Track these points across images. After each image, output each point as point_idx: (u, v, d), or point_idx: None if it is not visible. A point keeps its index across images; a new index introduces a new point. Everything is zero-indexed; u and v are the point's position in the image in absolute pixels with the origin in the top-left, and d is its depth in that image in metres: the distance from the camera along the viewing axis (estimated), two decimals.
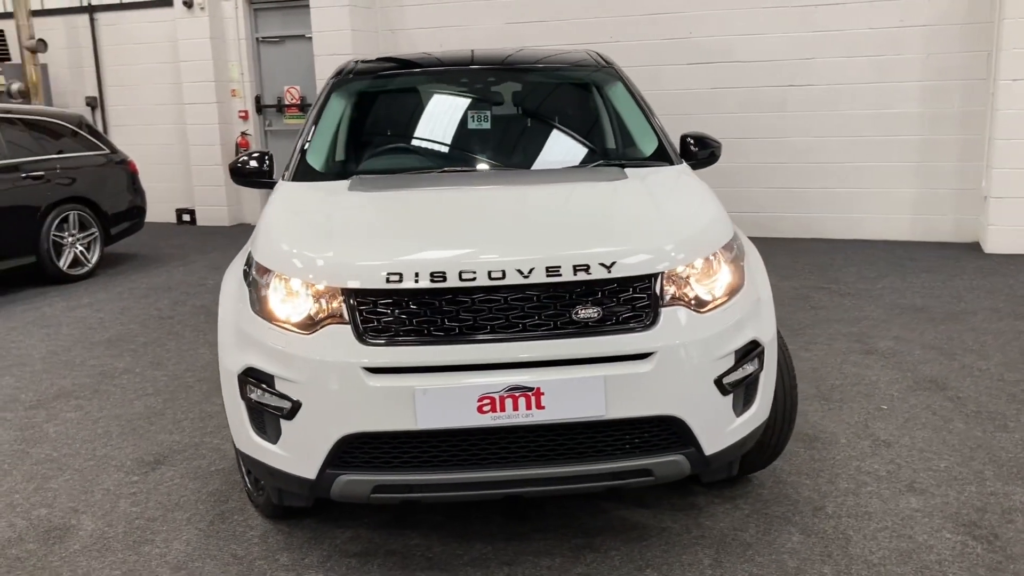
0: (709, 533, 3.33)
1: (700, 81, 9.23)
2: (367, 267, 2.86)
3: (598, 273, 2.84)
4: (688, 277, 2.97)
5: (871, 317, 6.12)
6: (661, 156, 4.06)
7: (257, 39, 11.08)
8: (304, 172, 3.94)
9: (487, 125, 4.15)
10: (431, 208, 3.39)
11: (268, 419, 2.94)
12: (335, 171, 4.01)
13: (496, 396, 2.72)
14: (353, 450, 2.81)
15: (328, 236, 3.10)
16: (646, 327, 2.84)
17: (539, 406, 2.75)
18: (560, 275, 2.82)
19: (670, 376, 2.83)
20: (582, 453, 2.84)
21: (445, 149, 4.16)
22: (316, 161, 4.03)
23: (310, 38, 10.28)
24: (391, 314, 2.81)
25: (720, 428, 2.97)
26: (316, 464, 2.83)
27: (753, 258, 3.39)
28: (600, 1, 9.41)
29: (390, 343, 2.78)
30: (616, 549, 3.23)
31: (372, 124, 4.43)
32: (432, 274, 2.80)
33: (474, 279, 2.80)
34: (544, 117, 4.41)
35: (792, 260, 8.07)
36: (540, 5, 9.63)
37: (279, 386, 2.88)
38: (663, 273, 2.91)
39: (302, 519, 3.50)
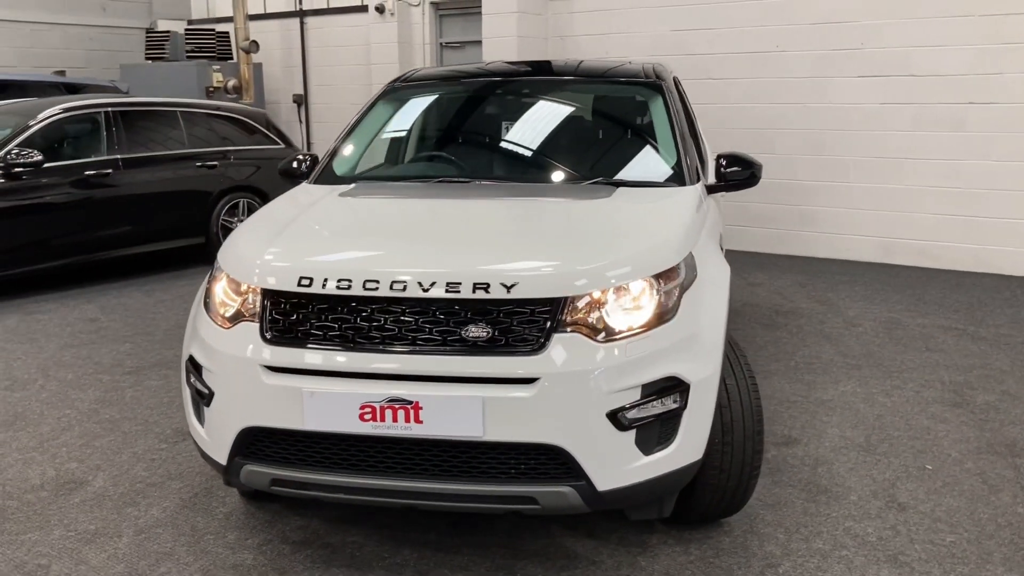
0: (640, 574, 3.18)
1: (870, 95, 8.59)
2: (284, 270, 2.99)
3: (497, 293, 2.81)
4: (597, 304, 2.85)
5: (991, 367, 5.47)
6: (675, 177, 3.89)
7: (441, 44, 11.58)
8: (326, 175, 4.15)
9: (505, 138, 4.16)
10: (387, 218, 3.48)
11: (199, 405, 3.16)
12: (352, 176, 4.18)
13: (377, 406, 2.77)
14: (256, 442, 2.96)
15: (274, 239, 3.26)
16: (533, 352, 2.77)
17: (417, 420, 2.76)
18: (459, 292, 2.82)
19: (554, 404, 2.74)
20: (466, 472, 2.83)
21: (452, 160, 4.22)
22: (341, 165, 4.22)
23: None
24: (296, 317, 2.93)
25: (617, 464, 2.83)
26: (226, 451, 3.01)
27: (710, 293, 3.17)
28: (765, 9, 8.99)
29: (289, 344, 2.90)
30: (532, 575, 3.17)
31: (397, 133, 4.56)
32: (339, 281, 2.89)
33: (376, 289, 2.86)
34: (564, 133, 4.34)
35: (942, 295, 7.34)
36: (705, 13, 9.35)
37: (204, 375, 3.09)
38: (568, 298, 2.82)
39: (272, 503, 3.71)
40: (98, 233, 7.83)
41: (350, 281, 2.88)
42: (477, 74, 4.64)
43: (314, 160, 4.43)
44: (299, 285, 2.93)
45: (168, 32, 12.73)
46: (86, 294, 7.59)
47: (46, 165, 7.42)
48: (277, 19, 12.96)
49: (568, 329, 2.80)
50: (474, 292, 2.81)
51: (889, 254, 8.70)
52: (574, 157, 4.15)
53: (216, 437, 3.05)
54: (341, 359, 2.83)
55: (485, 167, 4.13)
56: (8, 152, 7.25)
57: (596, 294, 2.86)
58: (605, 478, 2.82)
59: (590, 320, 2.84)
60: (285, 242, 3.21)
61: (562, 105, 4.45)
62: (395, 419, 2.77)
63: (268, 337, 2.93)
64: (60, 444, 4.38)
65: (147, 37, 12.66)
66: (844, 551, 3.32)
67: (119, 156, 8.02)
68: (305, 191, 3.94)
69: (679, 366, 2.91)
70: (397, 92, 4.59)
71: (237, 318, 3.03)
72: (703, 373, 2.98)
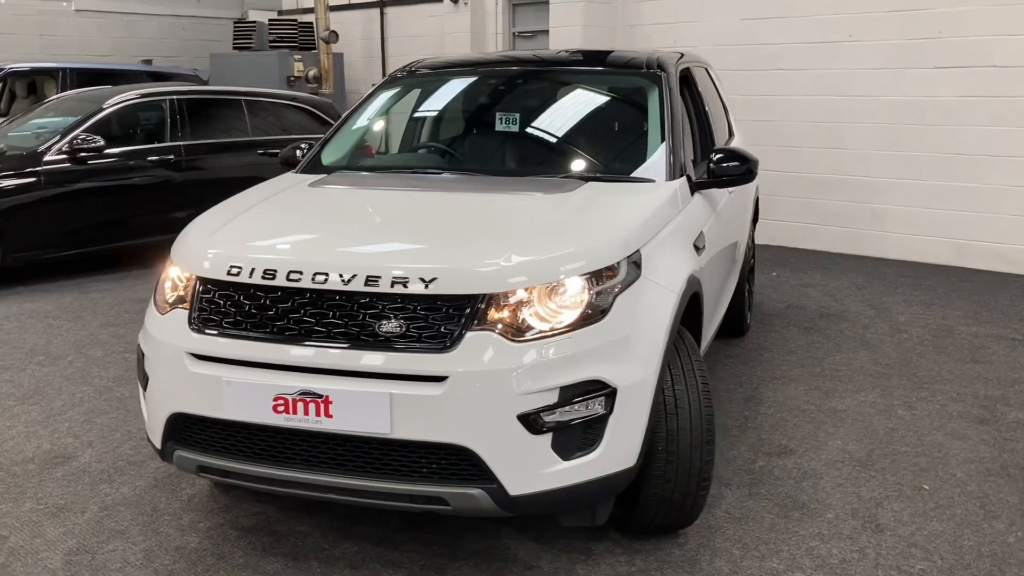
0: None
1: (947, 88, 8.08)
2: (216, 258, 3.01)
3: (415, 288, 2.75)
4: (517, 302, 2.76)
5: None
6: (654, 172, 3.73)
7: (514, 33, 11.52)
8: (313, 164, 4.16)
9: (488, 131, 4.08)
10: (337, 210, 3.46)
11: (143, 389, 3.22)
12: (336, 165, 4.18)
13: (289, 398, 2.76)
14: (186, 428, 3.00)
15: (220, 228, 3.28)
16: (444, 349, 2.70)
17: (327, 414, 2.73)
18: (378, 285, 2.77)
19: (463, 404, 2.67)
20: (377, 469, 2.78)
21: (432, 152, 4.17)
22: (329, 155, 4.23)
23: None
24: (223, 305, 2.94)
25: (530, 468, 2.74)
26: (159, 436, 3.06)
27: (655, 295, 3.02)
28: None
29: (213, 332, 2.92)
30: None
31: (385, 124, 4.52)
32: (265, 271, 2.89)
33: (299, 281, 2.84)
34: (549, 125, 4.22)
35: (1010, 303, 6.85)
36: (777, 1, 8.98)
37: (144, 360, 3.14)
38: (486, 295, 2.74)
39: (237, 488, 3.75)
40: (159, 217, 8.11)
41: (275, 272, 2.88)
42: (474, 65, 4.57)
43: (306, 148, 4.44)
44: (228, 274, 2.94)
45: (254, 22, 13.09)
46: (145, 276, 7.88)
47: (109, 150, 7.73)
48: (359, 9, 13.16)
49: (484, 327, 2.72)
50: (392, 286, 2.77)
51: (963, 257, 8.18)
52: (553, 150, 4.05)
53: (152, 421, 3.10)
54: (258, 350, 2.83)
55: (461, 159, 4.07)
56: (74, 137, 7.58)
57: (518, 292, 2.77)
58: (517, 482, 2.73)
59: (508, 319, 2.75)
60: (228, 231, 3.23)
61: (551, 97, 4.34)
62: (306, 412, 2.75)
63: (195, 325, 2.95)
64: (65, 419, 4.55)
65: (235, 27, 13.05)
66: (798, 573, 3.12)
67: (182, 143, 8.29)
68: (279, 180, 3.96)
69: (605, 369, 2.79)
70: (395, 83, 4.57)
71: (174, 305, 3.07)
72: (634, 378, 2.85)
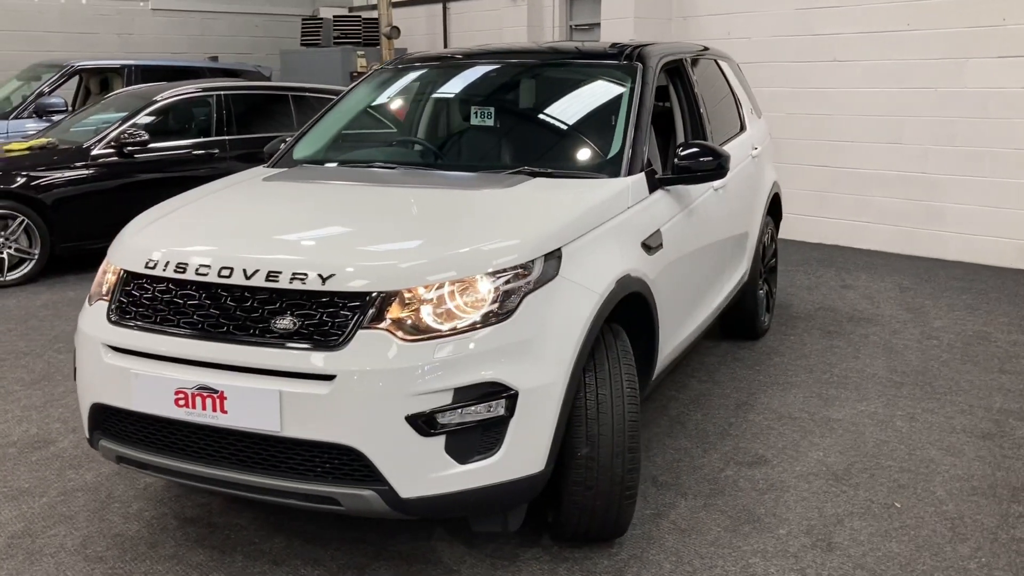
0: None
1: (1011, 79, 7.58)
2: (137, 251, 3.04)
3: (313, 284, 2.72)
4: (414, 301, 2.69)
5: None
6: (608, 168, 3.59)
7: (571, 26, 11.38)
8: (285, 159, 4.18)
9: (447, 125, 4.02)
10: (272, 204, 3.46)
11: (75, 379, 3.28)
12: (304, 159, 4.16)
13: (189, 392, 2.76)
14: (106, 418, 3.04)
15: (153, 221, 3.31)
16: (334, 347, 2.65)
17: (223, 410, 2.73)
18: (278, 281, 2.75)
19: (351, 404, 2.63)
20: (275, 466, 2.76)
21: (390, 147, 4.12)
22: (301, 149, 4.23)
23: None
24: (139, 297, 2.97)
25: (423, 471, 2.67)
26: (86, 424, 3.12)
27: (571, 296, 2.89)
28: None
29: (126, 325, 2.95)
30: None
31: (362, 118, 4.48)
32: (177, 265, 2.91)
33: (207, 275, 2.85)
34: (509, 120, 4.11)
35: None
36: None
37: (75, 351, 3.20)
38: (381, 293, 2.69)
39: None
40: None
41: (186, 265, 2.89)
42: (453, 58, 4.49)
43: (280, 143, 4.46)
44: (145, 267, 2.97)
45: (321, 19, 13.32)
46: None
47: (155, 144, 7.98)
48: (423, 5, 13.23)
49: (378, 326, 2.67)
50: (291, 282, 2.74)
51: None
52: (512, 144, 3.95)
53: (81, 411, 3.16)
54: (164, 343, 2.85)
55: (416, 154, 4.02)
56: (121, 132, 7.85)
57: (417, 290, 2.71)
58: (409, 485, 2.67)
59: (404, 318, 2.69)
60: (158, 226, 3.27)
61: (522, 91, 4.23)
62: (204, 407, 2.75)
63: (112, 317, 2.99)
64: (61, 405, 4.70)
65: (303, 24, 13.31)
66: None
67: (226, 137, 8.48)
68: (240, 175, 3.98)
69: (505, 371, 2.70)
70: (374, 77, 4.55)
71: (100, 297, 3.11)
72: (538, 381, 2.75)
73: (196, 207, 3.47)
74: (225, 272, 2.82)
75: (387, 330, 2.66)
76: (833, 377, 5.01)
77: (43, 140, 8.00)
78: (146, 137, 7.87)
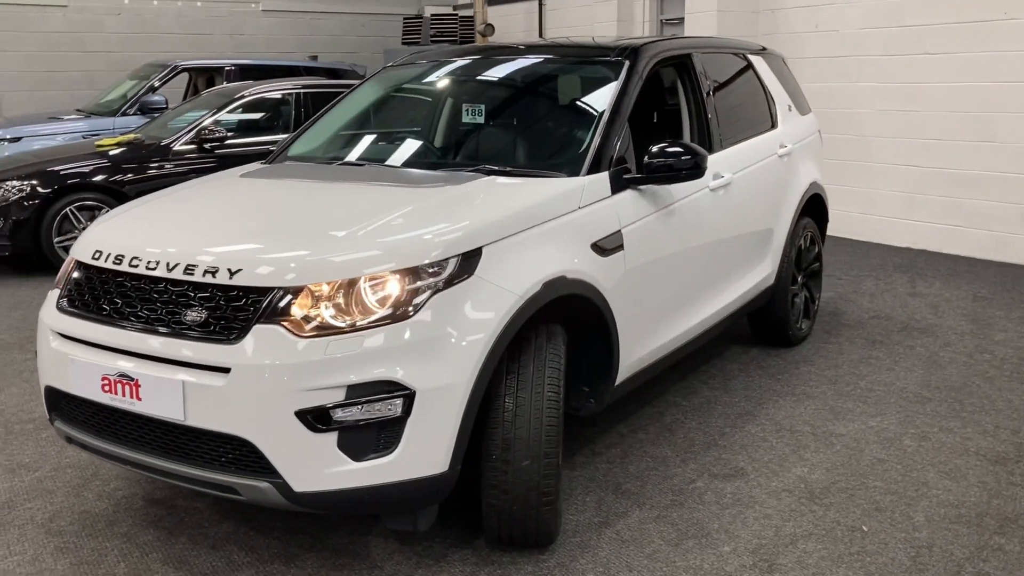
0: None
1: None
2: (88, 242, 3.19)
3: (222, 278, 2.79)
4: (312, 297, 2.72)
5: None
6: (568, 168, 3.51)
7: (661, 21, 11.17)
8: (275, 155, 4.29)
9: (422, 124, 4.01)
10: (228, 199, 3.54)
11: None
12: (293, 156, 4.25)
13: (112, 379, 2.88)
14: (57, 400, 3.20)
15: (117, 215, 3.47)
16: (231, 341, 2.71)
17: (138, 397, 2.84)
18: (193, 275, 2.84)
19: (244, 397, 2.68)
20: (186, 454, 2.85)
21: (375, 144, 4.14)
22: (297, 146, 4.33)
23: None
24: (84, 287, 3.12)
25: (315, 466, 2.69)
26: (45, 405, 3.30)
27: (485, 296, 2.84)
28: None
29: (69, 312, 3.10)
30: (309, 570, 3.10)
31: (354, 115, 4.51)
32: (115, 257, 3.04)
33: (137, 267, 2.96)
34: (491, 117, 4.05)
35: None
36: None
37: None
38: (283, 288, 2.73)
39: None
40: None
41: (122, 257, 3.02)
42: (448, 57, 4.48)
43: (282, 144, 4.57)
44: (92, 258, 3.11)
45: (422, 18, 13.56)
46: None
47: (233, 140, 8.34)
48: (521, 2, 13.26)
49: (274, 321, 2.71)
50: (204, 276, 2.82)
51: None
52: (479, 143, 3.91)
53: (41, 392, 3.34)
54: (95, 331, 2.98)
55: (387, 152, 4.02)
56: (202, 128, 8.24)
57: (321, 287, 2.73)
58: (301, 479, 2.70)
59: (302, 314, 2.72)
60: (119, 219, 3.41)
61: (500, 89, 4.17)
62: (124, 393, 2.87)
63: (60, 305, 3.15)
64: None
65: (404, 23, 13.58)
66: None
67: None
68: (225, 172, 4.11)
69: (402, 370, 2.69)
70: (376, 76, 4.60)
71: (56, 286, 3.29)
72: (439, 381, 2.72)
73: (161, 202, 3.61)
74: (152, 265, 2.93)
75: (283, 325, 2.70)
76: (856, 390, 4.72)
77: (131, 136, 8.49)
78: (224, 133, 8.23)
